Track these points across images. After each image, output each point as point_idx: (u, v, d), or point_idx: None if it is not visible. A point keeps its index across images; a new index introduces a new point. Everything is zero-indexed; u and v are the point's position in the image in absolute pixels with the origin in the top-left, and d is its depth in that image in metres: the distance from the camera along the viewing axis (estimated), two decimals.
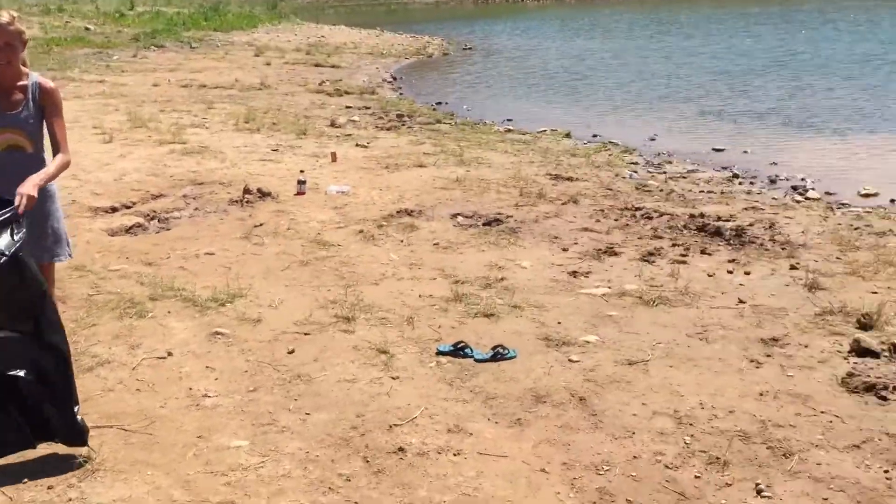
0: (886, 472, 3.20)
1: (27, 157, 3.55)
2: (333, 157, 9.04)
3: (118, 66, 17.96)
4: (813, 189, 8.24)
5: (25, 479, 3.07)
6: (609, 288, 5.23)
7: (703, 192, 8.04)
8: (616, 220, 6.85)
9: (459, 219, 6.87)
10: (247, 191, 7.33)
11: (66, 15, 28.50)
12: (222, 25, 30.22)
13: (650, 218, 6.91)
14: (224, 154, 9.15)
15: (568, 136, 11.46)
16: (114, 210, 6.95)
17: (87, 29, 24.80)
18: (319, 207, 7.08)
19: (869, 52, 21.41)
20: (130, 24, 27.71)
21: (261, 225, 6.52)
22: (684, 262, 5.74)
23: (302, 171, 7.77)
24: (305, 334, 4.49)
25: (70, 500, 2.98)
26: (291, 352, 4.27)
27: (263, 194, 7.33)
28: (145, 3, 38.01)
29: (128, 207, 7.06)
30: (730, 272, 5.55)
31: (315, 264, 5.66)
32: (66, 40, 21.51)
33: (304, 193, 7.44)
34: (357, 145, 9.99)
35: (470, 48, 27.17)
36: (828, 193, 8.17)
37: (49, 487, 3.04)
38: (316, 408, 3.71)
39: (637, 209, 7.17)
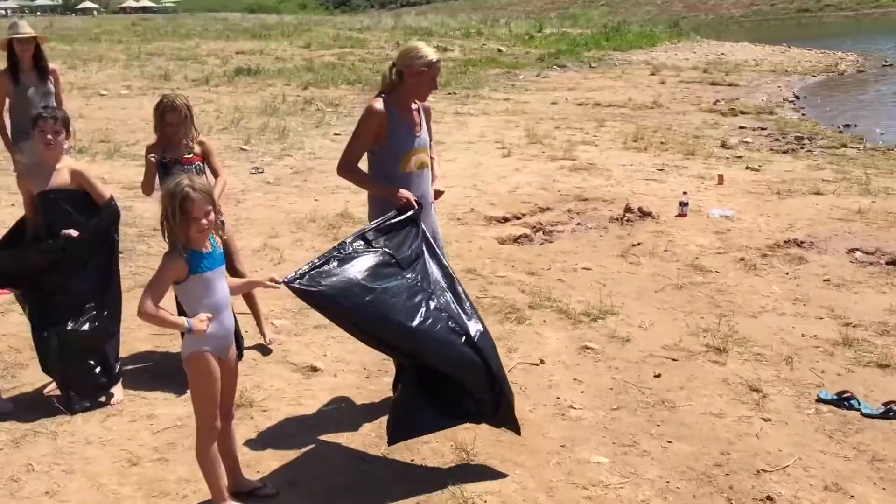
0: None
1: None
2: (720, 179, 8.76)
3: (522, 86, 19.26)
4: None
5: (412, 459, 3.48)
6: None
7: None
8: None
9: (857, 254, 6.24)
10: (628, 209, 7.42)
11: (482, 38, 31.23)
12: (622, 45, 30.85)
13: None
14: (610, 172, 9.36)
15: None
16: (505, 220, 7.50)
17: (499, 50, 26.96)
18: (700, 231, 6.92)
19: None
20: (538, 45, 29.52)
21: (638, 244, 6.56)
22: None
23: (685, 192, 7.66)
24: (673, 360, 4.44)
25: (448, 484, 3.29)
26: (658, 376, 4.25)
27: (644, 214, 7.36)
28: (553, 25, 40.25)
29: (517, 218, 7.57)
30: None
31: (689, 289, 5.55)
32: (480, 61, 23.57)
33: (685, 215, 7.33)
34: (747, 168, 9.56)
35: (891, 65, 24.38)
36: None
37: (432, 469, 3.43)
38: (678, 437, 3.65)
39: None
